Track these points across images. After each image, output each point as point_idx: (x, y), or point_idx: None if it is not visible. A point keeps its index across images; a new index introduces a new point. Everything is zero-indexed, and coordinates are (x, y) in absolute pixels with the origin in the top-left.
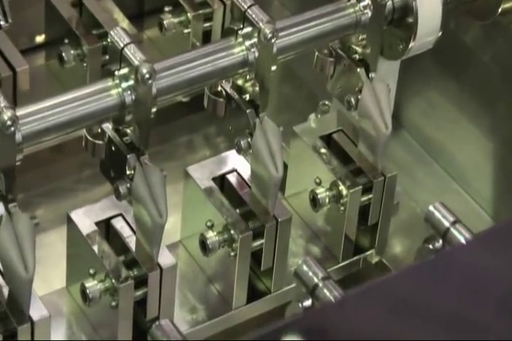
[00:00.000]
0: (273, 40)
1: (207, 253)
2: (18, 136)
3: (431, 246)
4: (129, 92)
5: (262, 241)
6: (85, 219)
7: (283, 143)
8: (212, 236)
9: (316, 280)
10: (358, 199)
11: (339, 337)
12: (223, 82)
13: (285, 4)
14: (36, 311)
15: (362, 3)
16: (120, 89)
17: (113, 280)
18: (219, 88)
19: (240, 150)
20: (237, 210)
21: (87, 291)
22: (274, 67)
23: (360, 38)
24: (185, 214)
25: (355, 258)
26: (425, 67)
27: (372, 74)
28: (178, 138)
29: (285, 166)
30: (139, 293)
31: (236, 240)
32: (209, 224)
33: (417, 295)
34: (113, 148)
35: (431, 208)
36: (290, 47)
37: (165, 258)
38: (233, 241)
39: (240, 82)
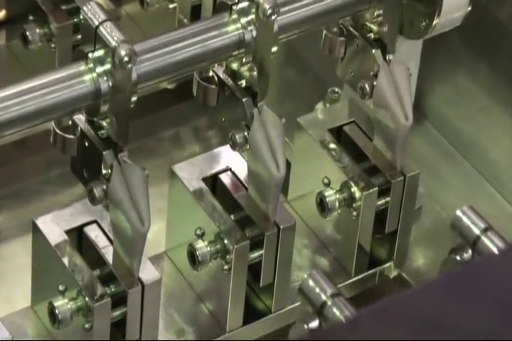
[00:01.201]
0: (273, 17)
1: (196, 267)
2: None
3: (458, 257)
4: (104, 78)
5: (261, 252)
6: (54, 227)
7: (285, 137)
8: (202, 246)
9: (324, 297)
10: (374, 203)
11: None
12: (215, 66)
13: None
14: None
15: None
16: (94, 75)
17: (86, 299)
18: (210, 73)
19: (234, 146)
20: (232, 216)
21: (56, 311)
22: (274, 49)
23: (375, 14)
24: (171, 221)
25: (370, 271)
26: (452, 48)
27: (389, 57)
28: (163, 131)
29: (288, 164)
30: (117, 313)
31: (230, 251)
32: (199, 232)
33: (442, 314)
34: (86, 144)
35: (459, 213)
36: (293, 24)
37: (147, 272)
38: (227, 252)
39: (234, 65)
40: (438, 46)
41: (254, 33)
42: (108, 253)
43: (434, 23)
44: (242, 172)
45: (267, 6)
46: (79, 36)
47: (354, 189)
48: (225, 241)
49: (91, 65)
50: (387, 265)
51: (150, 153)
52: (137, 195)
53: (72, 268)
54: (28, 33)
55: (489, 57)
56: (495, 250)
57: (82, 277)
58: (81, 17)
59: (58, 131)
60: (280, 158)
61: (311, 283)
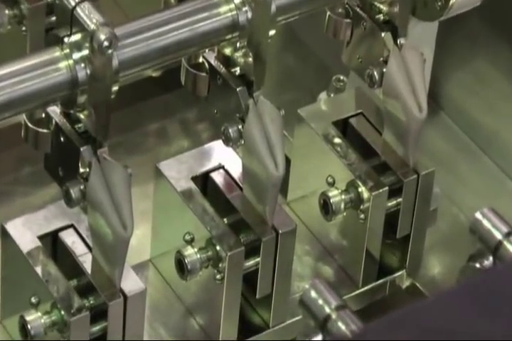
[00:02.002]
0: None
1: (185, 276)
2: None
3: (478, 265)
4: (82, 65)
5: (258, 259)
6: (25, 232)
7: (285, 131)
8: (192, 253)
9: (327, 310)
10: (384, 205)
11: None
12: (206, 51)
13: None
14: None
15: None
16: (71, 62)
17: (62, 312)
18: (200, 59)
19: (228, 141)
20: (225, 219)
21: (28, 326)
22: (272, 32)
23: None
24: (156, 225)
25: (379, 281)
26: (471, 31)
27: (401, 40)
28: (147, 124)
29: (287, 161)
30: (97, 328)
31: (223, 258)
32: (188, 237)
33: (460, 327)
34: (62, 139)
35: (478, 215)
36: (293, 4)
37: (130, 282)
38: (219, 259)
39: (227, 51)
40: (455, 29)
41: (250, 15)
42: (86, 262)
43: (450, 2)
44: (236, 170)
45: None
46: (53, 18)
47: (362, 189)
48: (217, 248)
49: (67, 51)
50: (398, 274)
51: (133, 149)
52: (119, 196)
53: (46, 278)
54: None
55: None
56: None
57: (57, 288)
58: None
59: (30, 125)
60: (279, 154)
61: (313, 294)
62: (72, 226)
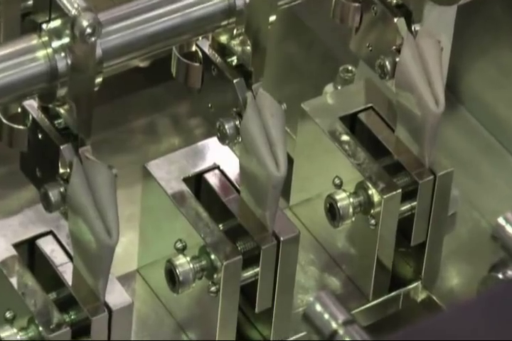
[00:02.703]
0: None
1: (176, 288)
2: None
3: (501, 275)
4: (62, 54)
5: (257, 269)
6: None
7: (287, 127)
8: (183, 263)
9: (334, 325)
10: (397, 209)
11: None
12: (199, 39)
13: None
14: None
15: None
16: (50, 50)
17: (40, 328)
18: (193, 48)
19: (223, 138)
20: (221, 225)
21: None
22: (272, 18)
23: None
24: (144, 232)
25: (392, 294)
26: (493, 17)
27: (416, 27)
28: (134, 120)
29: (290, 161)
30: None
31: (219, 268)
32: (179, 245)
33: None
34: (39, 136)
35: (501, 221)
36: None
37: (116, 295)
38: (214, 270)
39: (223, 38)
40: (476, 14)
41: None
42: (67, 272)
43: None
44: (232, 170)
45: None
46: (30, 2)
47: (372, 191)
48: (212, 257)
49: (45, 39)
50: (413, 286)
51: (119, 148)
52: (103, 200)
53: (22, 290)
54: None
55: None
56: None
57: (35, 301)
58: None
59: (4, 121)
60: (280, 153)
61: (318, 307)
62: (50, 232)
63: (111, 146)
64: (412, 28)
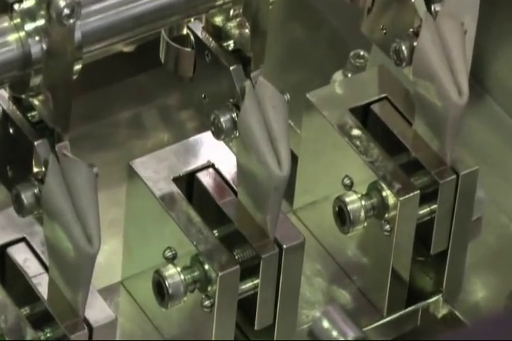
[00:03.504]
0: None
1: (165, 303)
2: None
3: None
4: (36, 38)
5: (257, 281)
6: None
7: (290, 120)
8: (174, 273)
9: None
10: (415, 213)
11: None
12: (191, 20)
13: None
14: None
15: None
16: (22, 34)
17: None
18: (184, 30)
19: (219, 133)
20: (215, 231)
21: None
22: None
23: None
24: (129, 239)
25: (409, 308)
26: None
27: (436, 7)
28: (118, 112)
29: (294, 159)
30: None
31: (213, 280)
32: (169, 254)
33: None
34: (11, 131)
35: None
36: None
37: (97, 310)
38: (209, 281)
39: (218, 20)
40: None
41: None
42: (41, 284)
43: None
44: (228, 169)
45: None
46: None
47: (387, 193)
48: (206, 267)
49: (17, 21)
50: (433, 299)
51: (100, 144)
52: (82, 203)
53: None
54: None
55: None
56: None
57: (5, 317)
58: None
59: None
60: (282, 149)
61: (325, 324)
62: (23, 240)
63: (91, 142)
64: (432, 9)
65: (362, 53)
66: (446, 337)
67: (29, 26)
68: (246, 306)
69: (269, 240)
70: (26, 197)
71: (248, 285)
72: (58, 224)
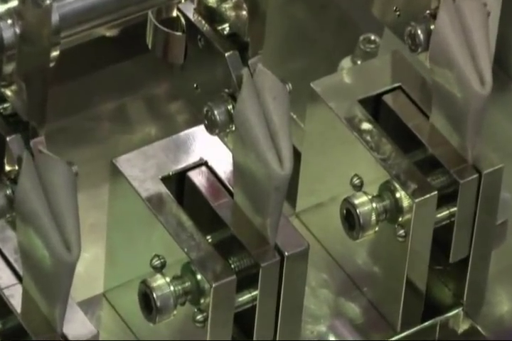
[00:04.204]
0: None
1: (153, 317)
2: None
3: None
4: (9, 22)
5: (256, 293)
6: None
7: (293, 113)
8: (162, 284)
9: None
10: (432, 216)
11: None
12: (182, 1)
13: None
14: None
15: None
16: None
17: None
18: (174, 12)
19: (212, 127)
20: (209, 237)
21: None
22: None
23: None
24: (112, 245)
25: (426, 323)
26: None
27: None
28: (100, 104)
29: (296, 156)
30: None
31: (207, 292)
32: (157, 262)
33: None
34: None
35: None
36: None
37: (76, 325)
38: (201, 293)
39: (212, 0)
40: None
41: None
42: (14, 296)
43: None
44: (223, 168)
45: None
46: None
47: (401, 194)
48: (198, 277)
49: None
50: (453, 313)
51: (80, 139)
52: (60, 205)
53: None
54: None
55: None
56: None
57: None
58: None
59: None
60: (284, 145)
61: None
62: None
63: (70, 137)
64: None
65: (373, 38)
66: None
67: (0, 8)
68: (243, 321)
69: (269, 247)
70: None
71: (246, 297)
72: (33, 229)
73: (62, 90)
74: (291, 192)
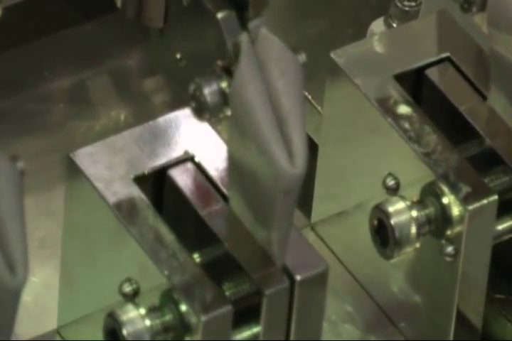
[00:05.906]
0: None
1: None
2: None
3: None
4: None
5: (257, 329)
6: None
7: (307, 93)
8: (134, 317)
9: None
10: (491, 229)
11: None
12: None
13: None
14: None
15: None
16: None
17: None
18: None
19: (201, 111)
20: (197, 255)
21: None
22: None
23: None
24: (69, 266)
25: None
26: None
27: None
28: (53, 79)
29: (312, 149)
30: None
31: (194, 328)
32: (128, 288)
33: None
34: None
35: None
36: None
37: None
38: (187, 330)
39: None
40: None
41: None
42: None
43: None
44: (215, 164)
45: None
46: None
47: (449, 199)
48: (183, 308)
49: None
50: None
51: (27, 126)
52: (1, 214)
53: None
54: None
55: None
56: None
57: None
58: None
59: None
60: (295, 136)
61: None
62: None
63: (14, 123)
64: None
65: None
66: None
67: None
68: None
69: (275, 269)
70: None
71: (245, 334)
72: None
73: (4, 61)
74: (304, 197)
